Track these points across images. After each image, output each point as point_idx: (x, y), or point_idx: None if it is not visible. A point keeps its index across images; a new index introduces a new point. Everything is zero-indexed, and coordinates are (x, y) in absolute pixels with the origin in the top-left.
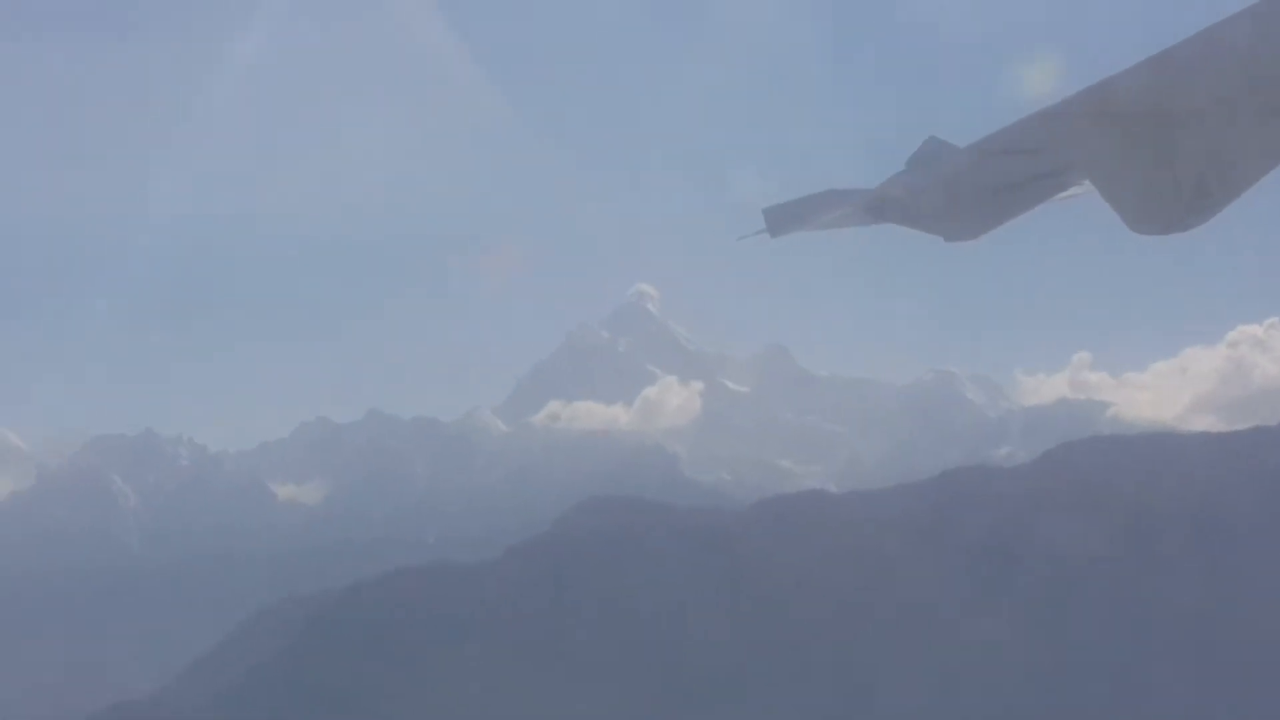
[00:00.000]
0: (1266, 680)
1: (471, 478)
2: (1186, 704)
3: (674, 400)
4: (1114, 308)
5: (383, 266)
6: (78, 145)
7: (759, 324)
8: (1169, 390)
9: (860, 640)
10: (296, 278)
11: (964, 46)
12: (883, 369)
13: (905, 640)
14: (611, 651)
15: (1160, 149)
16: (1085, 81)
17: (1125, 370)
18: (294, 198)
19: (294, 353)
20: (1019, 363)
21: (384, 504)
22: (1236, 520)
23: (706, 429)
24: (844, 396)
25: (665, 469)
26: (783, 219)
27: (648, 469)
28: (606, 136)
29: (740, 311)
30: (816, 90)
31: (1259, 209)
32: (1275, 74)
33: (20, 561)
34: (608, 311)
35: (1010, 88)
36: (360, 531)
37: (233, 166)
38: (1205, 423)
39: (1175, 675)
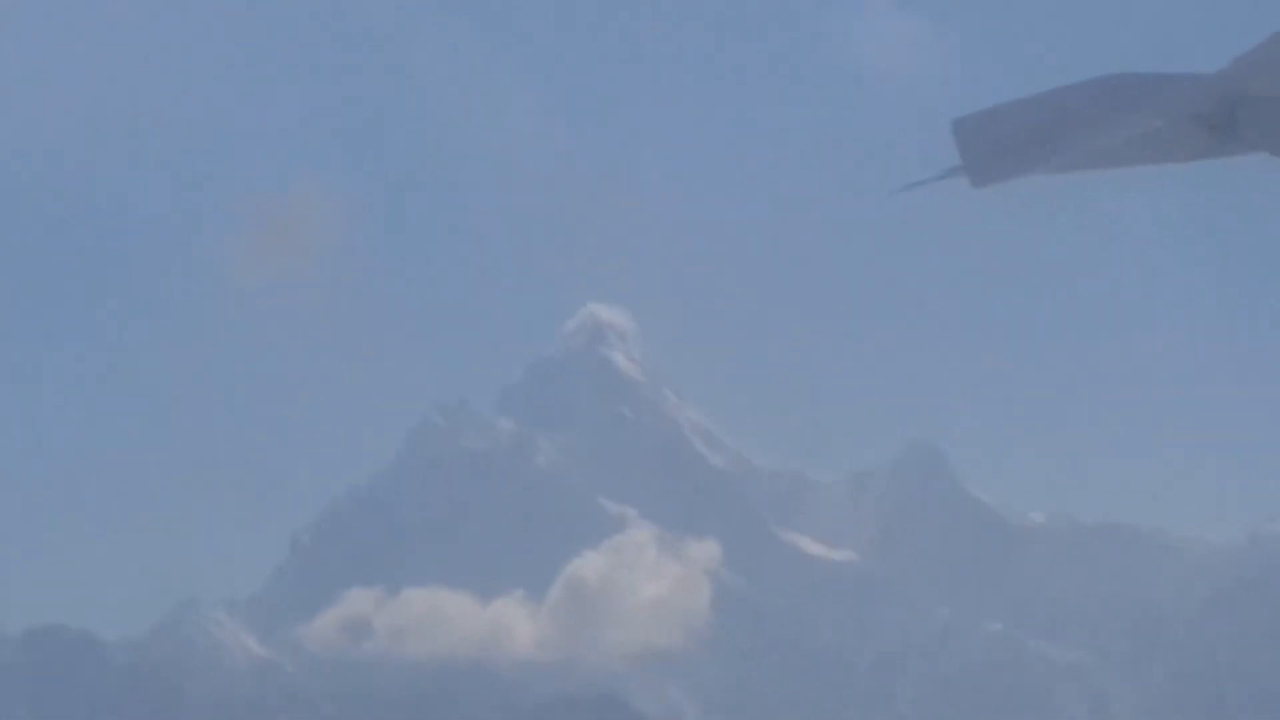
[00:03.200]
0: None
1: None
2: None
3: (651, 584)
4: None
5: None
6: None
7: (868, 398)
8: None
9: None
10: None
11: None
12: (1165, 511)
13: None
14: None
15: None
16: None
17: None
18: None
19: None
20: None
21: None
22: None
23: (730, 660)
24: (1094, 573)
25: None
26: (995, 148)
27: None
28: None
29: (820, 368)
30: None
31: None
32: None
33: None
34: (512, 372)
35: None
36: None
37: None
38: None
39: None
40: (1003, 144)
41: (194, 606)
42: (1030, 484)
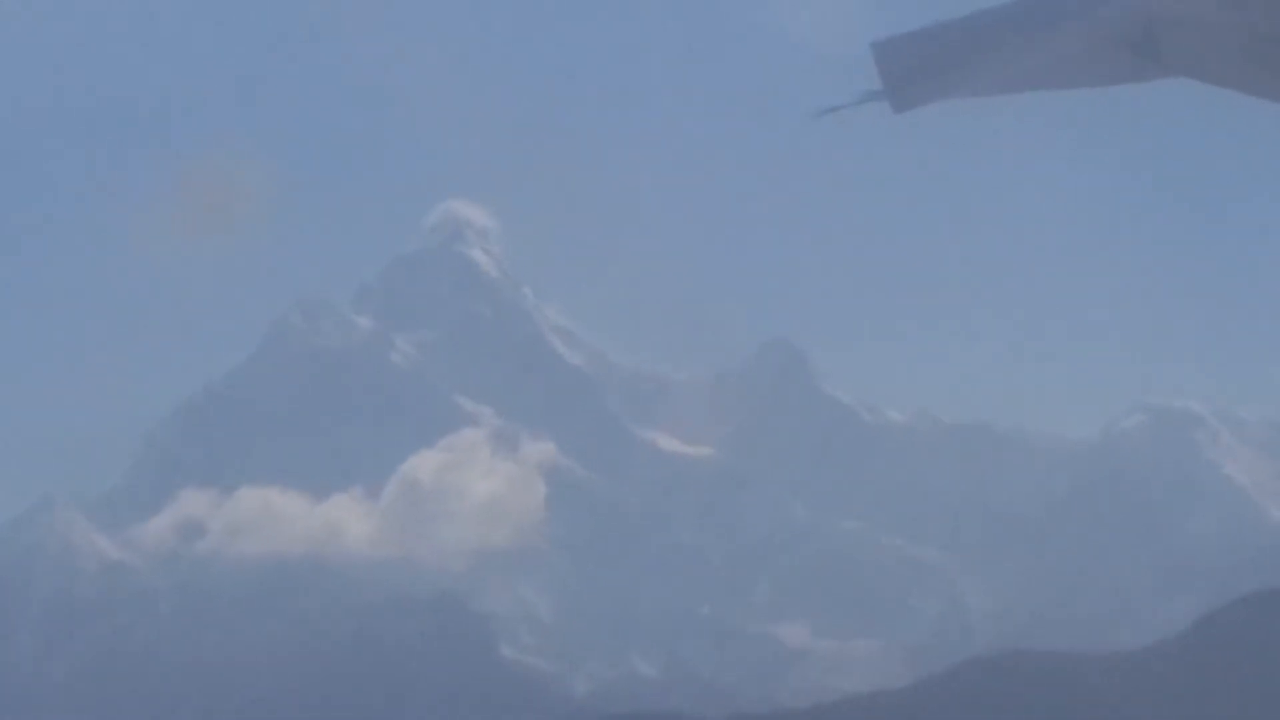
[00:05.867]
0: None
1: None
2: None
3: (493, 482)
4: None
5: None
6: None
7: (728, 298)
8: None
9: None
10: None
11: None
12: (1022, 410)
13: None
14: None
15: None
16: None
17: None
18: None
19: None
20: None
21: None
22: None
23: (585, 557)
24: (951, 472)
25: (462, 651)
26: (915, 72)
27: (419, 649)
28: None
29: (683, 276)
30: None
31: None
32: None
33: None
34: (370, 269)
35: None
36: None
37: None
38: None
39: None
40: (923, 68)
41: (46, 506)
42: (891, 384)
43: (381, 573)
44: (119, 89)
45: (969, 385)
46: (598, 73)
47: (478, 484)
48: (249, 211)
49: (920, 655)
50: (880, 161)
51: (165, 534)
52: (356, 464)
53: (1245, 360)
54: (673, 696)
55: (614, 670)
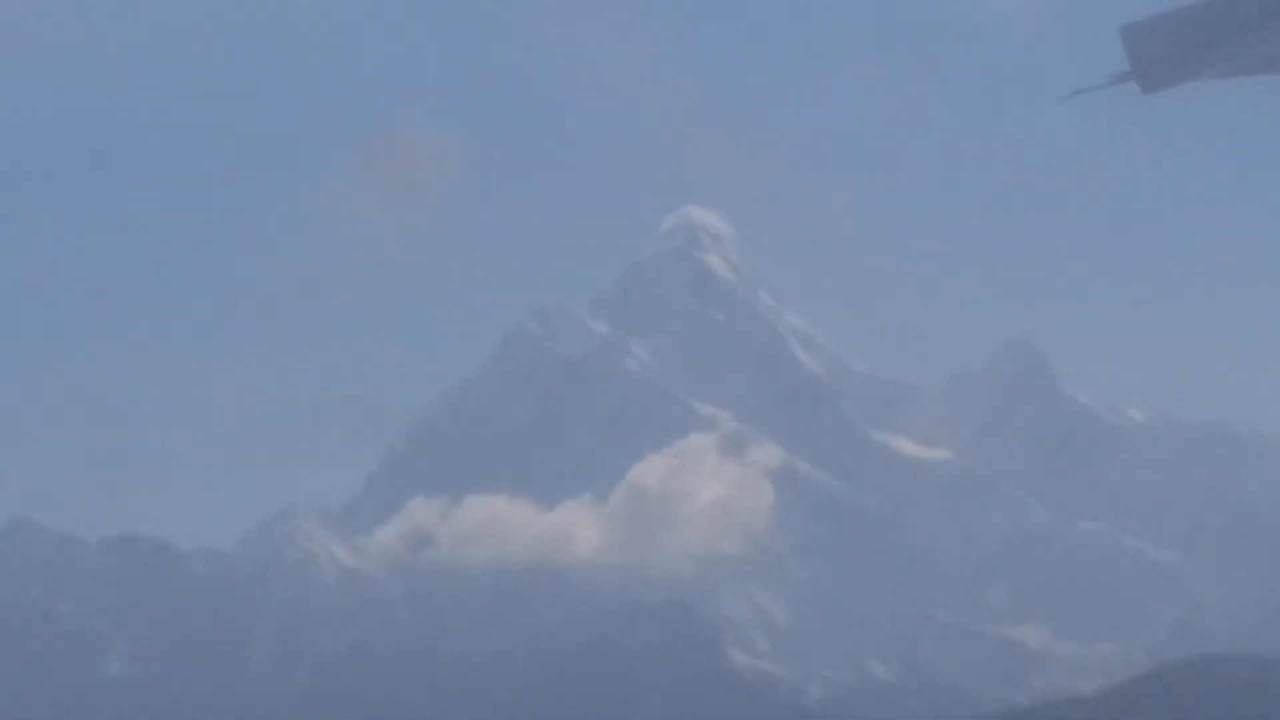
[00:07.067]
0: None
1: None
2: None
3: (711, 486)
4: None
5: None
6: None
7: (966, 300)
8: None
9: None
10: None
11: None
12: (1262, 410)
13: None
14: None
15: None
16: None
17: None
18: None
19: None
20: None
21: None
22: None
23: (822, 562)
24: (1191, 472)
25: (693, 658)
26: (1164, 53)
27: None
28: None
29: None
30: None
31: None
32: None
33: None
34: (606, 275)
35: None
36: None
37: None
38: None
39: None
40: (1173, 48)
41: (286, 517)
42: (1131, 383)
43: (610, 579)
44: (354, 118)
45: (1208, 384)
46: (830, 73)
47: (707, 488)
48: (486, 220)
49: (1160, 658)
50: (1116, 152)
51: (393, 542)
52: (590, 470)
53: None
54: (910, 701)
55: (850, 675)
